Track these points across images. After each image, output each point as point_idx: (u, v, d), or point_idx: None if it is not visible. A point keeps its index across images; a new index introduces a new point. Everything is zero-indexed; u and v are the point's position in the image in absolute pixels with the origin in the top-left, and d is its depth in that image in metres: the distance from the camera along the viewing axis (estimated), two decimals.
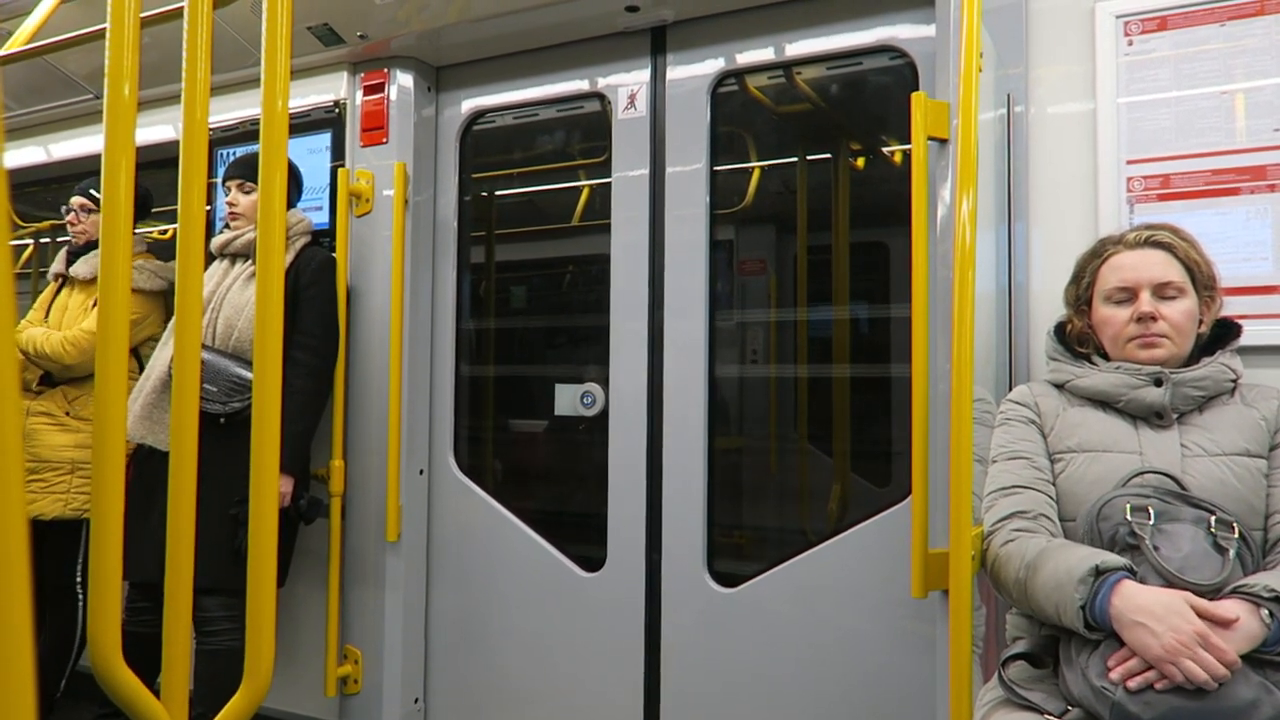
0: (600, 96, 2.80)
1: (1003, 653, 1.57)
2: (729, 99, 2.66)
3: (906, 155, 2.43)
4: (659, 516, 2.60)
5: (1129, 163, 1.95)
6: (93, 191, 3.06)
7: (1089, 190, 1.98)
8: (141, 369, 2.75)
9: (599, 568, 2.69)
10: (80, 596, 2.93)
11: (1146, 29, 1.95)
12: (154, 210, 3.19)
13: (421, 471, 2.95)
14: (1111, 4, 1.98)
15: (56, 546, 2.89)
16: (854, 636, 2.33)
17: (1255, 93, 1.85)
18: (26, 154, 3.74)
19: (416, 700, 2.91)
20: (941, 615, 1.93)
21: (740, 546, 2.70)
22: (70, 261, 3.05)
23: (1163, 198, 1.92)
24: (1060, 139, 2.02)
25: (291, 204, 2.80)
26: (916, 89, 2.28)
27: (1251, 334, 1.69)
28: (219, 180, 2.91)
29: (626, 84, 2.73)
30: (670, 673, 2.57)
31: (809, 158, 2.74)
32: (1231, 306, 1.72)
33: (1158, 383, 1.58)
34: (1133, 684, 1.32)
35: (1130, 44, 1.96)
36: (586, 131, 2.96)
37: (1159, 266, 1.63)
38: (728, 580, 2.52)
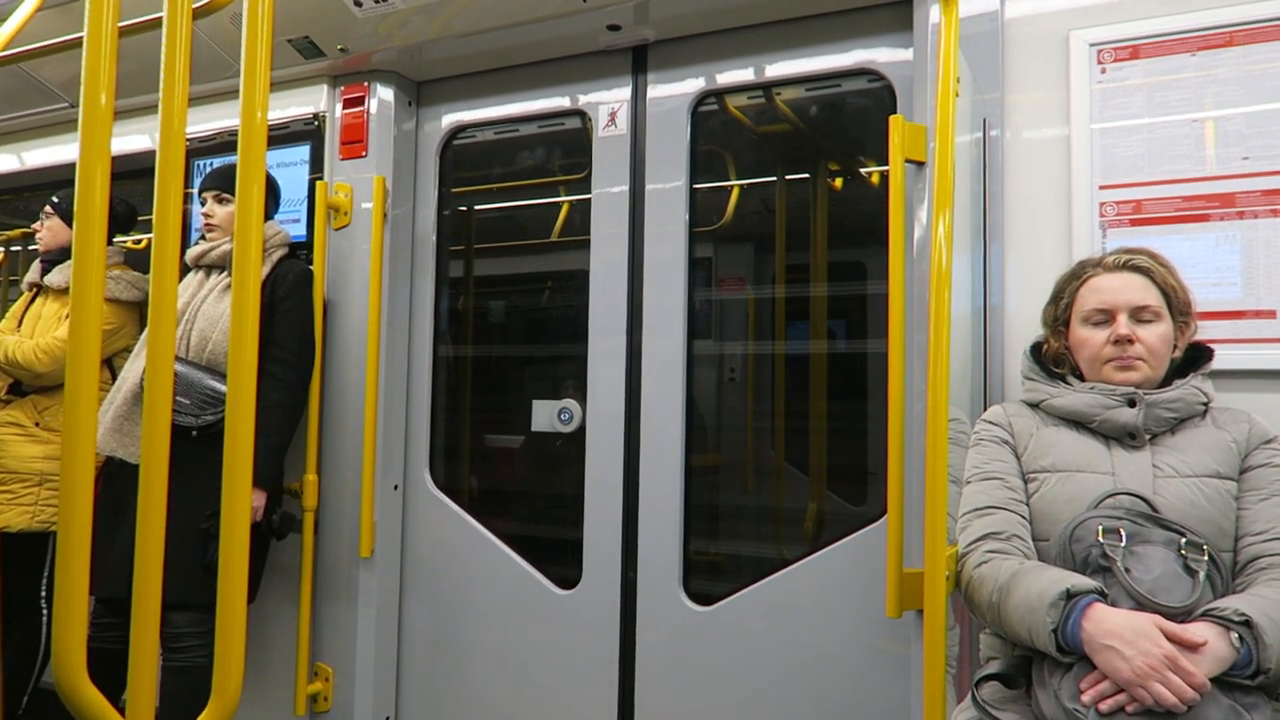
0: (581, 114, 2.81)
1: (976, 673, 1.57)
2: (709, 118, 2.68)
3: (884, 176, 2.45)
4: (635, 534, 2.59)
5: (1102, 188, 1.97)
6: (54, 199, 3.03)
7: (1063, 214, 2.01)
8: (114, 380, 2.72)
9: (574, 585, 2.67)
10: (45, 611, 2.88)
11: (1120, 57, 1.98)
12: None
13: (396, 487, 2.92)
14: (1086, 32, 2.01)
15: (22, 559, 2.83)
16: (829, 656, 2.33)
17: (1225, 121, 1.89)
18: None
19: (388, 718, 2.88)
20: (916, 635, 1.94)
21: (716, 565, 2.69)
22: (45, 271, 3.01)
23: (1135, 223, 1.94)
24: (1035, 163, 2.05)
25: (268, 216, 2.79)
26: (894, 112, 2.31)
27: (1220, 358, 1.72)
28: (194, 191, 2.89)
29: (607, 102, 2.74)
30: (645, 691, 2.55)
31: (788, 177, 2.76)
32: (1201, 330, 1.74)
33: (1131, 403, 1.60)
34: (1104, 707, 1.33)
35: (1104, 71, 1.99)
36: (567, 148, 2.97)
37: (1137, 290, 1.65)
38: (703, 599, 2.51)
